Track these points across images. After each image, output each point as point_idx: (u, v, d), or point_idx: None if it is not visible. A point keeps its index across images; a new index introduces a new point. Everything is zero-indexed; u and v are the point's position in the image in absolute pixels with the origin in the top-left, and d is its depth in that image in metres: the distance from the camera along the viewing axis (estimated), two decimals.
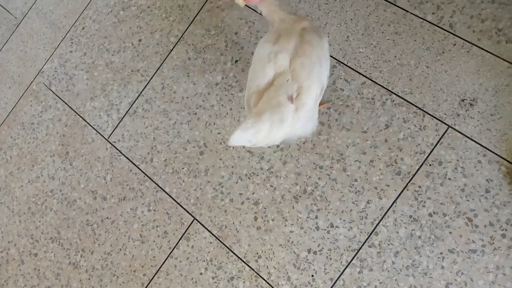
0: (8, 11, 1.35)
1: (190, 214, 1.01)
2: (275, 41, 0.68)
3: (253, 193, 0.98)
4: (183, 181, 1.04)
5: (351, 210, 0.90)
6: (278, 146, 0.98)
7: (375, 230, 0.88)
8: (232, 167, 1.01)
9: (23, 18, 1.33)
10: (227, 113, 1.05)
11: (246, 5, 0.84)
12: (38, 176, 1.17)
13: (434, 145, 0.88)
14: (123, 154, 1.11)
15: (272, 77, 0.66)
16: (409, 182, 0.88)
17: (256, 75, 0.68)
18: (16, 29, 1.32)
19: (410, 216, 0.86)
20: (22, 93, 1.26)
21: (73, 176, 1.14)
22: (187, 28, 1.12)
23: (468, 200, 0.84)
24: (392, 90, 0.93)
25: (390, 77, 0.94)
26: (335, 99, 0.96)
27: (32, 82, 1.25)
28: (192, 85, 1.09)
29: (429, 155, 0.88)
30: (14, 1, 1.36)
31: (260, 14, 0.83)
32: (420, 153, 0.89)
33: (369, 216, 0.89)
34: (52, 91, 1.22)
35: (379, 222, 0.88)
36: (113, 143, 1.12)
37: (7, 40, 1.33)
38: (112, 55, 1.17)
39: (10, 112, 1.26)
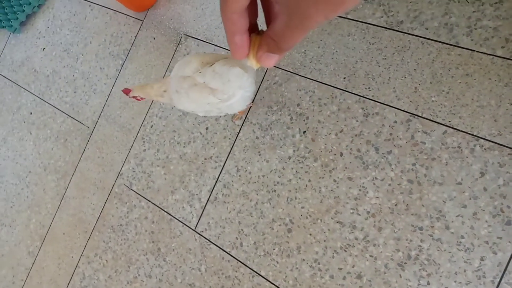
0: (80, 122, 1.60)
1: None
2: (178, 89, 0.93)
3: (353, 266, 1.03)
4: (277, 262, 1.13)
5: (465, 271, 0.92)
6: (368, 212, 1.04)
7: None
8: (325, 241, 1.08)
9: (95, 126, 1.56)
10: (306, 186, 1.13)
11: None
12: (136, 276, 1.33)
13: None
14: (212, 243, 1.22)
15: (197, 85, 0.90)
16: None
17: (198, 101, 0.92)
18: (90, 137, 1.55)
19: None
20: (106, 197, 1.45)
21: (168, 271, 1.27)
22: (249, 108, 1.25)
23: None
24: (478, 135, 0.97)
25: (472, 122, 0.98)
26: (418, 154, 1.01)
27: (113, 185, 1.45)
28: (265, 163, 1.20)
29: None
30: (84, 112, 1.60)
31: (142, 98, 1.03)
32: None
33: (487, 275, 0.90)
34: (134, 191, 1.40)
35: (500, 280, 0.89)
36: (201, 233, 1.25)
37: (84, 150, 1.56)
38: (184, 147, 1.34)
39: (98, 218, 1.45)
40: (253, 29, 0.34)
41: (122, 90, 1.03)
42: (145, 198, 1.38)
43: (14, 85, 1.87)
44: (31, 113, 1.77)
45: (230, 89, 0.89)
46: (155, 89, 0.97)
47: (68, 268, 1.49)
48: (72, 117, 1.64)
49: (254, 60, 0.34)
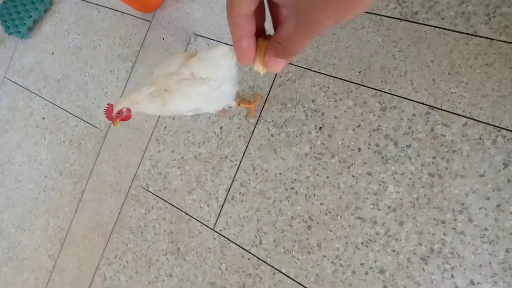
0: (93, 126, 1.61)
1: None
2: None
3: (375, 261, 1.03)
4: (298, 259, 1.13)
5: (490, 263, 0.92)
6: (389, 207, 1.03)
7: None
8: (345, 237, 1.08)
9: (108, 129, 1.56)
10: (324, 182, 1.13)
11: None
12: (157, 276, 1.34)
13: None
14: (231, 241, 1.23)
15: (186, 79, 0.92)
16: None
17: (190, 94, 0.93)
18: (104, 140, 1.56)
19: None
20: (123, 200, 1.46)
21: (189, 271, 1.28)
22: (263, 106, 1.25)
23: None
24: (500, 126, 0.95)
25: (493, 112, 0.97)
26: (438, 147, 1.00)
27: (130, 187, 1.46)
28: (282, 161, 1.20)
29: None
30: (96, 116, 1.61)
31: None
32: None
33: None
34: (151, 192, 1.40)
35: None
36: (220, 232, 1.25)
37: (99, 153, 1.56)
38: (199, 147, 1.34)
39: (117, 220, 1.46)
40: (260, 33, 0.33)
41: (105, 111, 0.94)
42: (162, 199, 1.38)
43: (25, 91, 1.88)
44: (43, 118, 1.78)
45: (219, 72, 0.90)
46: (144, 93, 0.92)
47: (89, 270, 1.51)
48: (85, 121, 1.64)
49: (260, 65, 0.33)
